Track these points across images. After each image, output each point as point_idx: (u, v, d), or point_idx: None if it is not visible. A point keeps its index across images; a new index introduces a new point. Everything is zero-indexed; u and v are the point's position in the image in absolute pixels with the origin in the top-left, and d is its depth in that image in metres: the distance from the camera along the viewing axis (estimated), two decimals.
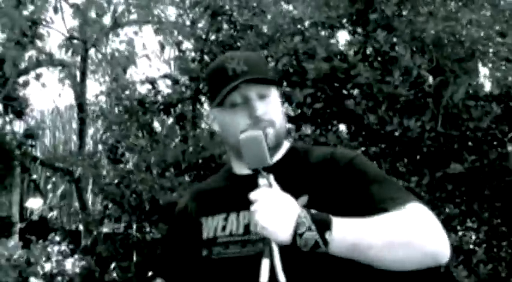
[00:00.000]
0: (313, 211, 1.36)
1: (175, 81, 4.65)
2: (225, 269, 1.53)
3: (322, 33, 3.61)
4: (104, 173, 4.37)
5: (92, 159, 4.35)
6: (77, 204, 5.81)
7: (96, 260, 5.38)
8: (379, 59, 3.53)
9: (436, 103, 3.40)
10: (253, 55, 1.65)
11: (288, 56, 3.65)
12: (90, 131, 6.00)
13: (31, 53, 5.06)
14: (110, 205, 4.68)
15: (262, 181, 1.39)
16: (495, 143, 3.36)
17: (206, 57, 4.55)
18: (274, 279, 1.35)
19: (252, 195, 1.37)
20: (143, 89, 4.87)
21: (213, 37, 4.41)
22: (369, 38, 3.56)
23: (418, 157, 3.44)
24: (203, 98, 4.47)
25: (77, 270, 5.03)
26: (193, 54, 4.71)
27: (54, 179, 6.01)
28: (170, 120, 4.67)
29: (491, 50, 3.51)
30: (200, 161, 3.92)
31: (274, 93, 1.54)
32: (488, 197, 3.41)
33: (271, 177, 1.40)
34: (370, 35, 3.41)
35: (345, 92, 3.54)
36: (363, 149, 3.43)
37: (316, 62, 3.44)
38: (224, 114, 1.53)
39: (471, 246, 3.27)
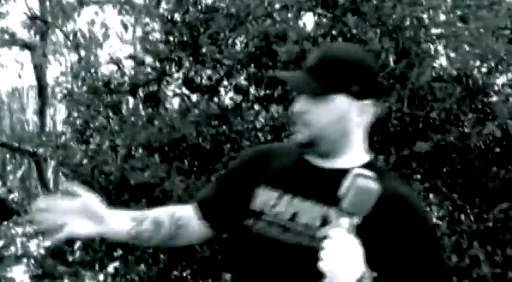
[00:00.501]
0: (375, 274, 1.40)
1: (141, 63, 4.72)
2: (260, 246, 1.59)
3: (289, 15, 3.74)
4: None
5: (60, 140, 4.40)
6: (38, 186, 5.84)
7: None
8: (346, 41, 3.69)
9: (402, 85, 3.60)
10: (338, 53, 1.61)
11: (258, 38, 3.79)
12: (51, 112, 6.02)
13: None
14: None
15: (344, 222, 1.39)
16: (458, 123, 3.59)
17: (172, 39, 4.63)
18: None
19: (331, 232, 1.38)
20: (107, 70, 4.95)
21: (179, 18, 4.50)
22: (337, 22, 3.73)
23: (385, 136, 3.63)
24: (169, 80, 4.57)
25: (42, 251, 5.08)
26: (158, 35, 4.79)
27: (13, 160, 6.03)
28: (135, 102, 4.76)
29: (453, 34, 3.72)
30: (170, 141, 4.03)
31: (331, 98, 1.54)
32: (450, 174, 3.64)
33: (356, 222, 1.40)
34: (339, 19, 3.57)
35: None
36: None
37: (288, 45, 3.58)
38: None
39: (435, 221, 3.50)
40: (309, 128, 1.55)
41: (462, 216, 3.65)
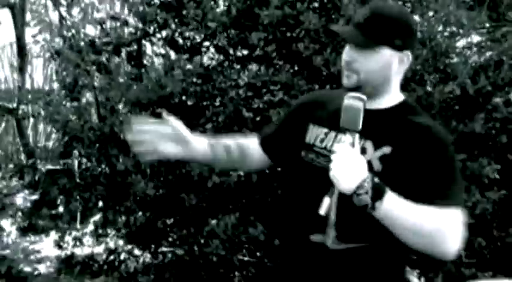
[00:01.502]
0: (376, 180, 1.72)
1: (125, 23, 5.08)
2: (311, 173, 1.93)
3: None
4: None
5: (49, 97, 4.75)
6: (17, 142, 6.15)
7: (42, 194, 5.85)
8: (324, 7, 4.13)
9: None
10: (386, 8, 1.89)
11: (240, 2, 4.20)
12: (28, 70, 6.29)
13: None
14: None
15: (347, 138, 1.74)
16: (423, 82, 4.08)
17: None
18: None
19: (336, 147, 1.75)
20: (90, 30, 5.29)
21: None
22: None
23: None
24: (154, 39, 4.93)
25: (28, 204, 5.45)
26: None
27: None
28: (119, 61, 5.11)
29: (418, 1, 4.19)
30: (157, 98, 4.43)
31: (377, 54, 1.83)
32: None
33: (357, 137, 1.75)
34: None
35: (294, 36, 4.14)
36: (309, 86, 4.07)
37: (270, 9, 4.01)
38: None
39: None
40: (357, 75, 1.85)
41: None
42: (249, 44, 4.37)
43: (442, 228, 1.75)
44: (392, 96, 1.96)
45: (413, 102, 2.05)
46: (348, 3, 3.94)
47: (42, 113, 5.07)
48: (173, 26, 4.58)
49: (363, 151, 1.83)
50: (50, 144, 6.23)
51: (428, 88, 4.07)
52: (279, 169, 3.77)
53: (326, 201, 1.73)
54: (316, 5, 4.18)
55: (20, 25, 5.83)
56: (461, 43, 4.52)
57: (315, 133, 1.98)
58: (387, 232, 1.77)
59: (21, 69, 5.94)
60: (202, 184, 4.25)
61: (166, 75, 4.37)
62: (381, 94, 1.92)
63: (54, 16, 6.05)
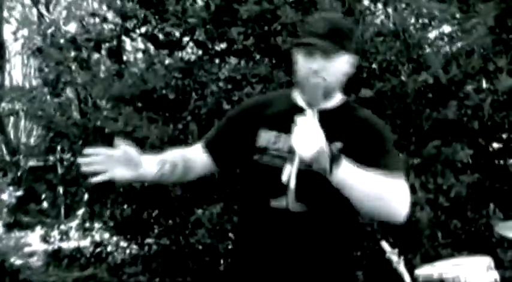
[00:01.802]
0: (334, 148, 1.92)
1: (104, 19, 5.21)
2: (267, 174, 2.07)
3: None
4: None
5: (31, 94, 4.87)
6: None
7: (27, 190, 5.97)
8: (300, 2, 4.31)
9: None
10: (340, 21, 2.15)
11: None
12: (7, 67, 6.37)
13: None
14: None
15: (309, 113, 1.95)
16: (397, 72, 4.29)
17: None
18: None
19: (298, 118, 1.92)
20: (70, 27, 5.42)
21: None
22: None
23: None
24: (134, 35, 5.07)
25: (13, 200, 5.57)
26: None
27: None
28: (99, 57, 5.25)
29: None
30: (140, 93, 4.58)
31: (338, 59, 2.02)
32: (390, 116, 4.35)
33: (316, 114, 1.95)
34: None
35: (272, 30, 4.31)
36: (288, 78, 4.24)
37: (249, 5, 4.17)
38: (298, 55, 2.07)
39: None
40: (324, 81, 2.00)
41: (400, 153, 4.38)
42: (228, 39, 4.54)
43: (391, 191, 1.95)
44: (337, 97, 2.15)
45: (352, 100, 2.24)
46: None
47: (23, 110, 5.17)
48: (153, 21, 4.72)
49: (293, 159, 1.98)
50: (32, 140, 6.34)
51: (403, 78, 4.28)
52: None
53: (287, 169, 1.89)
54: None
55: None
56: (432, 34, 4.73)
57: (267, 137, 2.13)
58: (341, 197, 1.96)
59: (1, 67, 6.02)
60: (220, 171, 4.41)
61: (148, 71, 4.51)
62: (332, 96, 2.11)
63: (31, 14, 6.13)
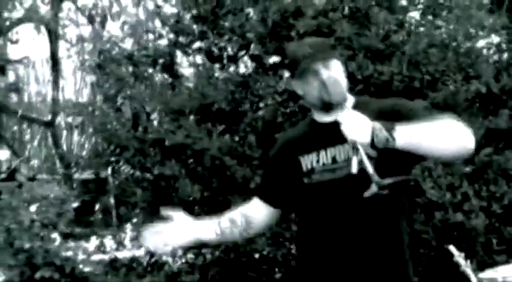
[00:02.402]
0: (381, 121, 2.10)
1: (160, 36, 5.49)
2: (323, 191, 2.29)
3: None
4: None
5: (92, 108, 5.16)
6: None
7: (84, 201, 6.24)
8: (355, 16, 4.54)
9: (402, 52, 4.48)
10: (315, 40, 2.43)
11: (277, 14, 4.61)
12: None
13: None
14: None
15: (344, 108, 2.23)
16: (448, 82, 4.49)
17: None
18: (360, 175, 2.09)
19: (340, 116, 2.15)
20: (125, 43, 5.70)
21: None
22: None
23: (388, 95, 4.51)
24: (189, 51, 5.33)
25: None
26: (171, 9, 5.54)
27: (29, 130, 6.66)
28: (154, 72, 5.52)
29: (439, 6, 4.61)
30: (199, 106, 4.83)
31: (335, 62, 2.27)
32: None
33: (346, 106, 2.25)
34: None
35: None
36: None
37: (306, 19, 4.42)
38: (303, 83, 2.31)
39: (433, 164, 4.41)
40: (338, 84, 2.25)
41: None
42: (282, 52, 4.78)
43: (449, 126, 2.13)
44: (350, 99, 2.36)
45: (359, 97, 2.43)
46: (377, 11, 4.35)
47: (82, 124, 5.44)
48: (211, 37, 4.98)
49: (355, 149, 2.18)
50: (84, 153, 6.64)
51: (454, 87, 4.47)
52: None
53: (354, 161, 2.10)
54: (347, 13, 4.55)
55: (54, 40, 6.22)
56: (481, 44, 4.94)
57: (308, 160, 2.33)
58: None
59: (56, 83, 6.33)
60: (246, 185, 4.65)
61: (208, 84, 4.76)
62: (347, 97, 2.34)
63: (84, 30, 6.45)
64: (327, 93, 2.26)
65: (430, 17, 4.80)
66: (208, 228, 2.43)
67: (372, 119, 2.17)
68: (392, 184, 2.15)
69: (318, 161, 2.32)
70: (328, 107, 2.29)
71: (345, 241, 2.30)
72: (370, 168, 2.11)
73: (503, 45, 4.69)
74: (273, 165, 2.50)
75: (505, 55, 4.62)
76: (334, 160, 2.26)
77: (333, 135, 2.21)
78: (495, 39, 4.88)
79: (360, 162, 2.11)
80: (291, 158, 2.38)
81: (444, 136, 2.13)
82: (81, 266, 4.33)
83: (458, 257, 3.06)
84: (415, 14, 4.86)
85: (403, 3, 4.83)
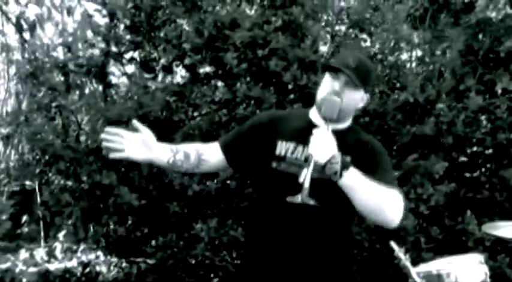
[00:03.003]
0: (345, 157, 2.33)
1: (92, 45, 5.53)
2: (284, 181, 2.46)
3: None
4: None
5: (27, 119, 5.14)
6: None
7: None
8: (288, 28, 4.76)
9: None
10: (366, 62, 2.56)
11: (214, 26, 4.77)
12: None
13: None
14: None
15: (324, 126, 2.39)
16: (380, 90, 4.78)
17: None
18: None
19: (315, 130, 2.34)
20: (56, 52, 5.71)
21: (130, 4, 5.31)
22: (277, 11, 4.79)
23: None
24: (123, 61, 5.39)
25: None
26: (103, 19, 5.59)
27: None
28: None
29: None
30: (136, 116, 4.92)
31: (357, 92, 2.45)
32: (373, 133, 4.82)
33: (330, 127, 2.38)
34: (284, 10, 4.63)
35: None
36: (280, 98, 4.68)
37: (242, 31, 4.61)
38: (322, 81, 2.50)
39: None
40: (342, 103, 2.40)
41: None
42: (217, 63, 4.95)
43: (389, 200, 2.36)
44: (347, 122, 2.58)
45: (355, 124, 2.65)
46: (312, 24, 4.60)
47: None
48: (146, 47, 5.09)
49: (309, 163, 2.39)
50: (11, 165, 6.54)
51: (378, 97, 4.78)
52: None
53: (304, 172, 2.30)
54: (280, 24, 4.75)
55: None
56: (404, 57, 5.28)
57: (285, 147, 2.51)
58: (344, 198, 2.36)
59: None
60: (183, 192, 4.78)
61: (144, 94, 4.86)
62: (344, 121, 2.54)
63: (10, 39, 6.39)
64: (323, 105, 2.42)
65: (356, 31, 5.09)
66: (164, 154, 2.53)
67: (352, 147, 2.41)
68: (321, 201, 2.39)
69: (292, 153, 2.49)
70: (319, 111, 2.48)
71: (284, 236, 2.49)
72: (307, 183, 2.32)
73: (427, 59, 5.03)
74: (251, 131, 2.63)
75: (430, 67, 4.96)
76: (306, 159, 2.39)
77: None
78: (418, 52, 5.22)
79: (305, 175, 2.32)
80: (270, 137, 2.55)
81: (378, 205, 2.36)
82: (20, 277, 4.33)
83: (399, 252, 3.33)
84: (342, 28, 5.14)
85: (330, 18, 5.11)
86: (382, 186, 2.35)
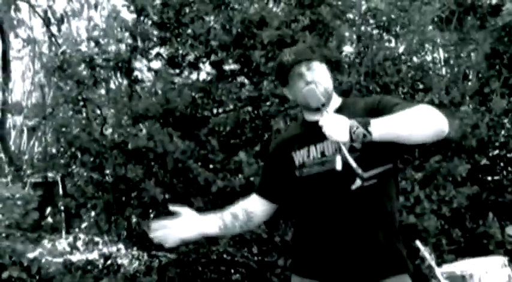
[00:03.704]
0: (357, 118, 2.30)
1: (119, 41, 5.61)
2: (313, 183, 2.47)
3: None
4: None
5: (53, 113, 5.23)
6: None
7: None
8: (315, 27, 4.82)
9: (360, 63, 4.80)
10: (299, 46, 2.72)
11: (242, 24, 4.84)
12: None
13: None
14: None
15: (323, 111, 2.37)
16: (404, 91, 4.83)
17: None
18: (345, 169, 2.29)
19: (320, 121, 2.32)
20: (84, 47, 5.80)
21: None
22: (305, 11, 4.85)
23: None
24: (150, 56, 5.47)
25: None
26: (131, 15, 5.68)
27: None
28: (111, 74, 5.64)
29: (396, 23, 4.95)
30: (163, 111, 4.99)
31: (317, 65, 2.47)
32: None
33: (328, 108, 2.40)
34: (312, 9, 4.69)
35: None
36: None
37: (270, 30, 4.67)
38: (291, 88, 2.51)
39: None
40: (321, 85, 2.41)
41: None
42: (244, 60, 5.01)
43: (423, 112, 2.30)
44: (336, 100, 2.55)
45: (346, 98, 2.61)
46: (339, 24, 4.65)
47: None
48: (174, 43, 5.16)
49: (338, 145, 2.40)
50: (34, 157, 6.65)
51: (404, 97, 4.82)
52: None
53: (338, 158, 2.29)
54: (308, 23, 4.80)
55: (6, 40, 6.23)
56: (429, 58, 5.33)
57: (300, 155, 2.52)
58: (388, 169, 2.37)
59: (6, 84, 6.34)
60: (208, 188, 4.85)
61: (171, 90, 4.93)
62: (332, 98, 2.52)
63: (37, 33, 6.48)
64: (306, 99, 2.42)
65: (382, 32, 5.14)
66: (212, 223, 2.61)
67: (361, 116, 2.37)
68: (376, 174, 2.35)
69: (308, 156, 2.50)
70: (308, 107, 2.46)
71: (336, 229, 2.46)
72: (353, 163, 2.29)
73: (452, 61, 5.07)
74: (270, 163, 2.70)
75: (455, 70, 5.00)
76: (323, 154, 2.43)
77: (321, 131, 2.35)
78: (442, 54, 5.27)
79: (344, 159, 2.29)
80: (285, 155, 2.57)
81: (418, 122, 2.31)
82: (47, 267, 4.42)
83: (424, 251, 3.39)
84: (368, 29, 5.19)
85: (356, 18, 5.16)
86: (407, 109, 2.32)
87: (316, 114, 2.47)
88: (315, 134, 2.43)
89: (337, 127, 2.31)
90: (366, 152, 2.37)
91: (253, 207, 2.66)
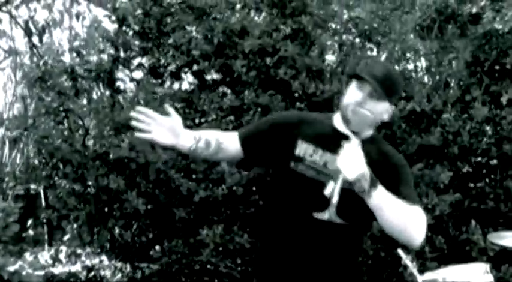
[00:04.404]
0: (372, 174, 2.25)
1: (101, 51, 5.60)
2: (301, 183, 2.43)
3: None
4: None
5: (35, 124, 5.20)
6: None
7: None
8: (297, 37, 4.83)
9: (342, 72, 4.82)
10: (394, 73, 2.52)
11: (223, 33, 4.84)
12: None
13: None
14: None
15: (354, 140, 2.31)
16: None
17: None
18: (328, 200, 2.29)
19: (346, 144, 2.28)
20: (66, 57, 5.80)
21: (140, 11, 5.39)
22: (286, 20, 4.86)
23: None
24: (131, 67, 5.46)
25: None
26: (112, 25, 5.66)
27: None
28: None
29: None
30: None
31: (382, 103, 2.37)
32: None
33: (360, 143, 2.31)
34: (294, 19, 4.71)
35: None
36: (287, 106, 4.74)
37: (251, 39, 4.68)
38: (350, 84, 2.42)
39: None
40: (371, 115, 2.37)
41: None
42: (225, 70, 5.02)
43: (414, 220, 2.33)
44: (369, 132, 2.51)
45: (377, 134, 2.61)
46: (320, 33, 4.67)
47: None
48: (155, 53, 5.16)
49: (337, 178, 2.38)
50: (16, 169, 6.61)
51: None
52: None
53: (331, 185, 2.26)
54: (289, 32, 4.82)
55: None
56: (411, 66, 5.36)
57: (304, 148, 2.45)
58: (368, 215, 2.32)
59: None
60: (190, 198, 4.84)
61: (153, 100, 4.93)
62: (366, 131, 2.48)
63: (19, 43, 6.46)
64: (350, 117, 2.38)
65: (364, 40, 5.16)
66: (187, 141, 2.51)
67: (375, 166, 2.33)
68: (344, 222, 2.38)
69: (311, 155, 2.45)
70: (345, 122, 2.43)
71: (299, 245, 2.46)
72: (335, 200, 2.30)
73: (433, 69, 5.10)
74: (273, 128, 2.59)
75: (436, 78, 5.04)
76: (325, 165, 2.40)
77: (337, 144, 2.33)
78: (423, 62, 5.31)
79: (333, 190, 2.29)
80: (292, 136, 2.50)
81: (405, 223, 2.32)
82: (28, 280, 4.38)
83: (406, 259, 3.39)
84: (350, 37, 5.21)
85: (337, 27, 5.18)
86: (406, 204, 2.33)
87: (344, 125, 2.44)
88: (331, 141, 2.40)
89: (353, 164, 2.28)
90: (351, 197, 2.33)
91: (227, 144, 2.59)
